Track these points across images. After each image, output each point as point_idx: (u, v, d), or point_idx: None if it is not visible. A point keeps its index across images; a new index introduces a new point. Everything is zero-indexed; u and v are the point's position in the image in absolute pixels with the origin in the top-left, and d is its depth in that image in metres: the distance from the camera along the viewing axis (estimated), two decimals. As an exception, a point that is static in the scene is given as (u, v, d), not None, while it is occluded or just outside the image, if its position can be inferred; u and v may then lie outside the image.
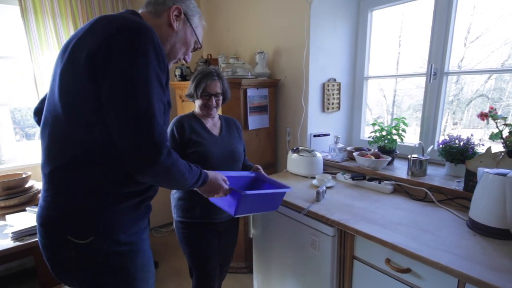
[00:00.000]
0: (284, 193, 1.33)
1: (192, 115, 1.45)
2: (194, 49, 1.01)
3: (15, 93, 2.17)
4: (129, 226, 0.83)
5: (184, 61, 1.02)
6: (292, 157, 1.89)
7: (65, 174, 0.77)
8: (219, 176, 1.07)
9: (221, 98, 1.42)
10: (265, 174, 1.44)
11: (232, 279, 2.15)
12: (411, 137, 1.94)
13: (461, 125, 1.97)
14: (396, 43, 2.11)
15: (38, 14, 2.03)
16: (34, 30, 2.02)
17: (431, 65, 1.71)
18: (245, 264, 2.20)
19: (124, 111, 0.71)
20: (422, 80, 1.82)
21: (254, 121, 2.09)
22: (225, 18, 2.60)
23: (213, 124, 1.48)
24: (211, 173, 1.04)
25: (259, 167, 1.47)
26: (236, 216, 1.18)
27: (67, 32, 2.14)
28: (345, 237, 1.25)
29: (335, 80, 2.11)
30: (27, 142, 2.36)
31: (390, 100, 2.31)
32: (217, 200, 1.19)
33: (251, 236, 1.74)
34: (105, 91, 0.71)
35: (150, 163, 0.73)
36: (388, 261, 1.09)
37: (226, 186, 1.07)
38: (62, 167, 0.77)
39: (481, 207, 1.09)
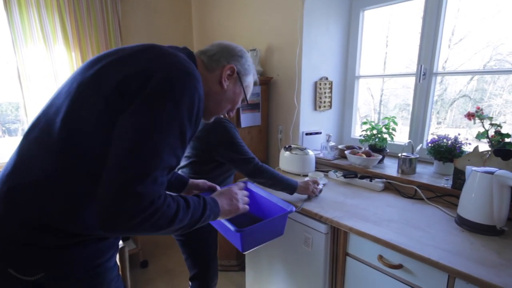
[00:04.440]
0: (286, 217, 1.16)
1: None
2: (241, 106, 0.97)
3: (-3, 87, 2.08)
4: (91, 258, 0.72)
5: (227, 116, 0.97)
6: (285, 155, 1.90)
7: (25, 194, 0.67)
8: (231, 190, 0.93)
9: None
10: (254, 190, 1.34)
11: (224, 277, 2.15)
12: (398, 136, 1.98)
13: (444, 125, 2.03)
14: (384, 43, 2.14)
15: (22, 6, 1.95)
16: (17, 22, 1.94)
17: (421, 66, 1.74)
18: (237, 262, 2.20)
19: (125, 148, 0.61)
20: (408, 80, 1.86)
21: (247, 119, 2.08)
22: (217, 14, 2.57)
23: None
24: (221, 196, 0.88)
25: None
26: (246, 253, 1.13)
27: (53, 24, 2.07)
28: (338, 234, 1.27)
29: (327, 78, 2.12)
30: (10, 138, 2.27)
31: (377, 99, 2.35)
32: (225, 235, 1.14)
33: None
34: (121, 124, 0.64)
35: (120, 218, 0.58)
36: (380, 257, 1.11)
37: (241, 207, 0.91)
38: (27, 184, 0.67)
39: (469, 204, 1.13)
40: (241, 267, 2.17)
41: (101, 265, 0.74)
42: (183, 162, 1.41)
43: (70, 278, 0.69)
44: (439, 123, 2.04)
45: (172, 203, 0.67)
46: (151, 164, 0.61)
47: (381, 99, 2.32)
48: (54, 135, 0.66)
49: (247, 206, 0.93)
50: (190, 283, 1.48)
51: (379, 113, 2.36)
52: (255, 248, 1.09)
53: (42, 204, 0.65)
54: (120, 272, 1.26)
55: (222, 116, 0.97)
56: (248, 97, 0.96)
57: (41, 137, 0.68)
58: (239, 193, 0.94)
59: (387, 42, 2.14)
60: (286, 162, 1.90)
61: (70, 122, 0.66)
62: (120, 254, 1.23)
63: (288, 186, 1.38)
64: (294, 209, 1.14)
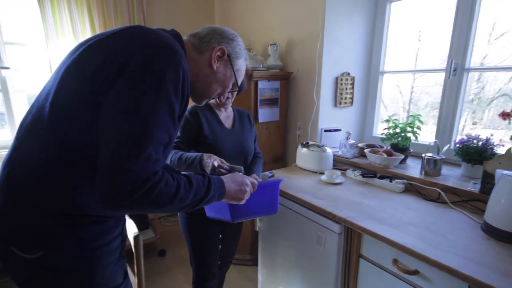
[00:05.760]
0: (277, 187, 1.19)
1: (207, 105, 1.42)
2: (232, 91, 0.96)
3: (31, 79, 2.21)
4: (88, 240, 0.73)
5: (218, 101, 0.97)
6: (302, 151, 1.86)
7: (23, 178, 0.69)
8: (245, 181, 0.93)
9: (237, 88, 1.40)
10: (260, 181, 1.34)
11: (237, 271, 2.16)
12: (428, 136, 1.87)
13: (481, 125, 1.89)
14: (415, 37, 2.02)
15: (53, 1, 2.05)
16: (50, 17, 2.05)
17: (451, 60, 1.63)
18: (251, 256, 2.20)
19: (115, 129, 0.63)
20: (442, 76, 1.74)
21: (265, 114, 2.06)
22: (239, 8, 2.56)
23: (227, 116, 1.46)
24: (232, 183, 0.90)
25: (256, 176, 1.34)
26: (236, 222, 1.13)
27: (82, 18, 2.16)
28: (352, 235, 1.23)
29: (349, 74, 2.05)
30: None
31: (406, 97, 2.23)
32: (211, 210, 1.17)
33: (257, 230, 1.73)
34: (106, 104, 0.65)
35: (120, 196, 0.61)
36: (395, 261, 1.06)
37: (244, 199, 0.94)
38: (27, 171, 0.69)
39: (498, 210, 1.04)
40: (255, 262, 2.17)
41: (99, 248, 0.75)
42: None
43: (67, 258, 0.71)
44: (474, 123, 1.90)
45: (172, 181, 0.69)
46: (142, 142, 0.62)
47: (411, 97, 2.20)
48: (44, 120, 0.68)
49: (245, 199, 0.95)
50: None
51: (408, 112, 2.24)
52: (246, 219, 1.10)
53: (38, 187, 0.68)
54: (135, 260, 1.31)
55: (215, 100, 0.96)
56: (239, 81, 0.95)
57: (33, 123, 0.71)
58: (250, 186, 0.95)
59: (419, 36, 2.01)
60: (303, 159, 1.86)
61: (58, 106, 0.68)
62: (135, 242, 1.26)
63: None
64: (283, 179, 1.22)
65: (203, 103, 0.96)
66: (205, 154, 1.22)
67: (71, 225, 0.71)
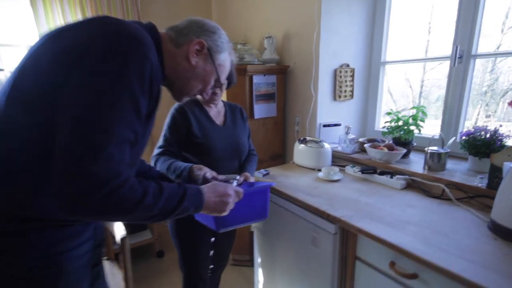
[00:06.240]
0: (266, 193, 1.11)
1: (195, 101, 1.35)
2: (216, 87, 0.90)
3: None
4: (48, 246, 0.67)
5: (201, 98, 0.91)
6: (299, 148, 1.78)
7: None
8: (227, 192, 0.84)
9: (226, 82, 1.33)
10: (253, 181, 1.27)
11: (236, 271, 2.11)
12: (437, 130, 1.76)
13: (494, 118, 1.77)
14: (419, 24, 1.90)
15: (46, 1, 2.03)
16: (42, 17, 2.03)
17: (457, 47, 1.52)
18: (249, 257, 2.14)
19: (71, 127, 0.57)
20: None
21: (261, 110, 1.99)
22: (234, 3, 2.49)
23: (217, 112, 1.40)
24: (212, 193, 0.81)
25: (248, 175, 1.28)
26: (221, 231, 1.05)
27: (75, 18, 2.13)
28: (348, 236, 1.15)
29: (348, 65, 1.95)
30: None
31: (417, 91, 2.12)
32: (198, 214, 1.08)
33: (252, 230, 1.67)
34: (63, 99, 0.59)
35: (75, 201, 0.56)
36: (392, 264, 0.98)
37: (226, 211, 0.85)
38: None
39: (506, 207, 0.95)
40: (253, 263, 2.11)
41: (61, 254, 0.70)
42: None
43: (26, 265, 0.66)
44: (487, 116, 1.79)
45: (138, 186, 0.63)
46: (101, 139, 0.57)
47: (421, 90, 2.09)
48: (1, 114, 0.63)
49: (228, 211, 0.86)
50: None
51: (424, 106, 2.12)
52: (233, 228, 1.03)
53: None
54: (123, 263, 1.26)
55: (202, 97, 0.90)
56: (222, 77, 0.88)
57: None
58: (233, 196, 0.86)
59: (423, 23, 1.89)
60: (300, 155, 1.79)
61: (13, 100, 0.63)
62: (121, 245, 1.22)
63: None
64: (273, 183, 1.15)
65: (184, 100, 0.89)
66: (195, 166, 1.14)
67: (30, 230, 0.66)
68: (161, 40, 0.77)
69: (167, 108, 1.33)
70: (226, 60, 0.88)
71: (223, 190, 0.84)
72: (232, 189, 0.86)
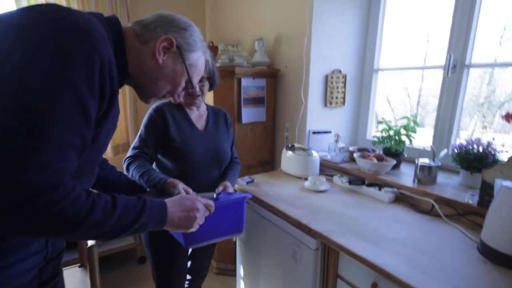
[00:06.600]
0: (242, 205, 1.03)
1: (176, 103, 1.27)
2: (187, 89, 0.81)
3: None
4: None
5: (173, 101, 0.84)
6: (287, 155, 1.72)
7: None
8: (195, 206, 0.76)
9: (207, 83, 1.26)
10: (231, 192, 1.20)
11: (220, 281, 2.03)
12: (430, 141, 1.70)
13: (491, 129, 1.73)
14: (414, 32, 1.85)
15: (31, 1, 1.96)
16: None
17: (450, 56, 1.46)
18: (234, 266, 2.06)
19: (2, 128, 0.50)
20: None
21: (249, 114, 1.93)
22: (227, 4, 2.44)
23: (199, 116, 1.32)
24: (178, 208, 0.73)
25: (228, 184, 1.21)
26: (191, 247, 0.98)
27: (61, 15, 2.07)
28: (329, 252, 1.08)
29: (340, 71, 1.90)
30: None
31: (414, 100, 2.07)
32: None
33: (234, 241, 1.59)
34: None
35: (5, 216, 0.49)
36: (375, 285, 0.91)
37: (194, 227, 0.77)
38: None
39: (497, 228, 0.88)
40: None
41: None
42: None
43: None
44: (484, 127, 1.74)
45: (84, 200, 0.56)
46: (36, 144, 0.50)
47: (418, 100, 2.04)
48: None
49: (197, 227, 0.78)
50: None
51: (416, 115, 2.07)
52: (204, 244, 0.95)
53: None
54: (89, 273, 1.19)
55: (174, 100, 0.83)
56: (194, 79, 0.80)
57: None
58: (202, 211, 0.78)
59: (417, 31, 1.84)
60: (288, 163, 1.72)
61: None
62: (88, 253, 1.15)
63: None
64: (249, 195, 1.06)
65: (151, 102, 0.81)
66: (169, 181, 1.02)
67: None
68: (124, 34, 0.69)
69: (146, 107, 1.26)
70: (199, 60, 0.81)
71: (190, 204, 0.76)
72: (201, 203, 0.79)
